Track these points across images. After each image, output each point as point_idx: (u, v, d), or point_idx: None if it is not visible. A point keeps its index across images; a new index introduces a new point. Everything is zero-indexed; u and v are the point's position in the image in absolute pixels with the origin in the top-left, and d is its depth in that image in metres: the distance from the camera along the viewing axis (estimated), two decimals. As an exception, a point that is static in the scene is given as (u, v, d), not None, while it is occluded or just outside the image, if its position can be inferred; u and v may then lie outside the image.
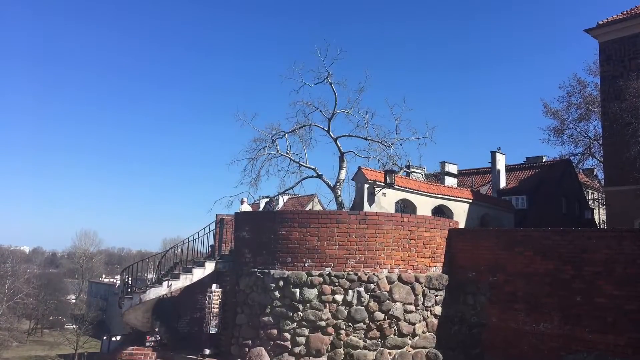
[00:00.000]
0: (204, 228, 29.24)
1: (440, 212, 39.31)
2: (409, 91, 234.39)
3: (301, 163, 38.03)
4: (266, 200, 40.17)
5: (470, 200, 41.13)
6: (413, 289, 24.30)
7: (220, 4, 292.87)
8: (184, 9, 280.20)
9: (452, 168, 52.99)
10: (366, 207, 34.35)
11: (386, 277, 23.90)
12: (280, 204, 58.45)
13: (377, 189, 35.02)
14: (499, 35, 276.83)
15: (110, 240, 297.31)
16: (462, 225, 37.70)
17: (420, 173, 49.12)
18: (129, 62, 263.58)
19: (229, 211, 35.05)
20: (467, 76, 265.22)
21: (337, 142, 37.45)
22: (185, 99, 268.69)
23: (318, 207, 60.50)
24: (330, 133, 37.55)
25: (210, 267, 26.76)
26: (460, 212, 39.99)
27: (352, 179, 36.10)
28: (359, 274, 23.69)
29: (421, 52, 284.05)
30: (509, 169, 55.21)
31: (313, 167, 37.73)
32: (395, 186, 35.71)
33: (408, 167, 44.35)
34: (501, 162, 52.67)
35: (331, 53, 39.08)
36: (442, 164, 52.65)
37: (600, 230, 26.46)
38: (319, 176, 37.57)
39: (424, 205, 37.87)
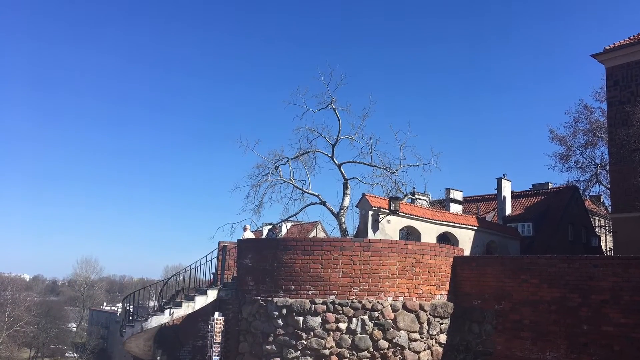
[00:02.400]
0: (206, 255, 29.08)
1: (445, 239, 39.05)
2: (414, 117, 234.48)
3: (304, 190, 37.83)
4: (269, 227, 39.92)
5: (476, 228, 40.88)
6: (418, 317, 24.03)
7: (222, 30, 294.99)
8: (185, 36, 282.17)
9: (457, 195, 52.78)
10: (370, 234, 34.12)
11: (390, 305, 23.64)
12: (284, 231, 58.23)
13: (381, 215, 34.82)
14: (504, 60, 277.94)
15: (112, 267, 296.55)
16: (467, 252, 37.43)
17: (425, 200, 48.90)
18: (130, 88, 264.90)
19: (231, 238, 34.78)
20: (473, 102, 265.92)
21: (341, 168, 37.28)
22: (186, 125, 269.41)
23: (322, 234, 60.29)
24: (334, 159, 37.39)
25: (212, 295, 26.54)
26: (465, 239, 39.72)
27: (356, 206, 35.90)
28: (363, 301, 23.44)
29: (426, 78, 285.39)
30: (515, 196, 54.96)
31: (316, 193, 37.53)
32: (399, 213, 35.50)
33: (413, 193, 44.13)
34: (507, 189, 52.45)
35: (335, 78, 38.84)
36: (447, 190, 52.43)
37: (606, 258, 26.16)
38: (323, 203, 37.35)
39: (429, 233, 37.62)
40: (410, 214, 36.86)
